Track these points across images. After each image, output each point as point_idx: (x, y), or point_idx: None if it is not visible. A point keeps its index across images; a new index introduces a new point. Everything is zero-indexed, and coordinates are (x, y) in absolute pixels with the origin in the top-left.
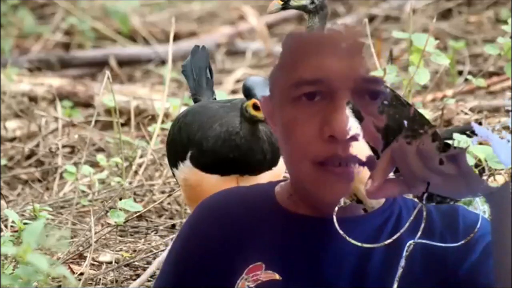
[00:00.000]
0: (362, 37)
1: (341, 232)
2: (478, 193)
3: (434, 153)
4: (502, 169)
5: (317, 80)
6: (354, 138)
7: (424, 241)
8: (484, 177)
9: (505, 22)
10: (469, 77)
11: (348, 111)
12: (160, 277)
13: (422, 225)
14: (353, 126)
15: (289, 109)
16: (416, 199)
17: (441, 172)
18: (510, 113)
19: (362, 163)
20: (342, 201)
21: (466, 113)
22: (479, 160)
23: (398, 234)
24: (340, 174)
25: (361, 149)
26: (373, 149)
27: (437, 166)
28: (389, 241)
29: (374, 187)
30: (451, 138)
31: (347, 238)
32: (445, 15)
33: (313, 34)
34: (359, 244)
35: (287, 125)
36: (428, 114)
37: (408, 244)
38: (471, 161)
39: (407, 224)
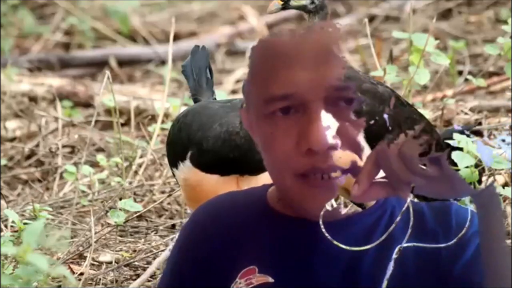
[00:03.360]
0: (332, 40)
1: (328, 236)
2: (463, 195)
3: (415, 155)
4: (502, 169)
5: (288, 95)
6: (333, 147)
7: (412, 244)
8: (484, 177)
9: (505, 22)
10: (469, 77)
11: (326, 121)
12: (160, 281)
13: (410, 224)
14: (330, 135)
15: (264, 124)
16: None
17: (424, 175)
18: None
19: (344, 172)
20: (328, 205)
21: (466, 113)
22: (479, 160)
23: (383, 237)
24: (323, 186)
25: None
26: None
27: (420, 168)
28: (376, 243)
29: (360, 191)
30: (451, 138)
31: (334, 242)
32: (445, 15)
33: (278, 43)
34: (346, 247)
35: (264, 139)
36: (428, 114)
37: (397, 248)
38: (471, 161)
39: (392, 226)
